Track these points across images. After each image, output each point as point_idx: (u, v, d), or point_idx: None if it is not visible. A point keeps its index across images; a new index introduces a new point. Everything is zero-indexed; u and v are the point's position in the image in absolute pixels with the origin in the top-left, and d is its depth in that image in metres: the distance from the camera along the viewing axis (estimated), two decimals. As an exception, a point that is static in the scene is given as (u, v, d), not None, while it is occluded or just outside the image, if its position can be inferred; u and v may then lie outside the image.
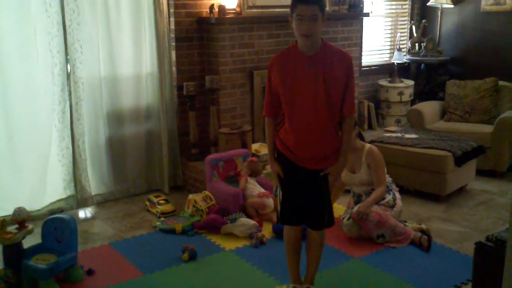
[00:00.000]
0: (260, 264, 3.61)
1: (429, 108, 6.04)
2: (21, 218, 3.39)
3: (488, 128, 5.51)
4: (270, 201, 4.40)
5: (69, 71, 4.51)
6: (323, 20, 2.71)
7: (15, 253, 3.34)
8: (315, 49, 2.75)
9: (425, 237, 3.83)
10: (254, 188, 4.48)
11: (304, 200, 2.93)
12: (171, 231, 4.16)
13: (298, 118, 2.78)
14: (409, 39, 7.30)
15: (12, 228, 3.38)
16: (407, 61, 7.12)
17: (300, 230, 3.06)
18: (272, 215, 4.34)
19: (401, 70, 7.07)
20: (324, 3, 2.75)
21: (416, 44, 7.16)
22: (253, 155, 4.98)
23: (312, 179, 2.88)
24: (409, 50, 7.25)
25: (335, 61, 2.74)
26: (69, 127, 4.58)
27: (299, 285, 3.12)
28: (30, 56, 4.33)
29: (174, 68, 5.07)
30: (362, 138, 4.11)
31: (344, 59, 2.78)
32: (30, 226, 3.44)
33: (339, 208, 4.46)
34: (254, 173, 4.62)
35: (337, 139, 2.86)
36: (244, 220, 4.12)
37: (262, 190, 4.46)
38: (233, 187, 4.51)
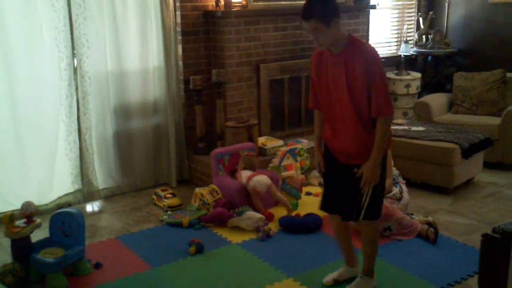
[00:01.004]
0: (266, 257, 3.62)
1: (436, 100, 6.01)
2: (29, 213, 3.42)
3: (495, 120, 5.48)
4: (258, 183, 4.32)
5: (75, 66, 4.52)
6: (331, 27, 2.67)
7: (23, 247, 3.37)
8: (339, 49, 2.76)
9: (432, 229, 3.83)
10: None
11: (338, 191, 3.00)
12: (178, 225, 4.17)
13: (330, 113, 2.91)
14: (416, 31, 7.26)
15: (20, 222, 3.42)
16: (414, 53, 7.08)
17: (339, 218, 3.09)
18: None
19: (408, 63, 7.04)
20: (325, 13, 2.65)
21: (423, 36, 7.12)
22: (260, 148, 4.99)
23: (345, 172, 2.93)
24: (416, 42, 7.21)
25: (356, 59, 2.70)
26: (76, 121, 4.60)
27: (350, 267, 3.25)
28: (37, 50, 4.34)
29: (180, 62, 5.08)
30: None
31: (364, 57, 2.68)
32: (38, 220, 3.47)
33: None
34: (249, 168, 4.58)
35: (368, 137, 2.81)
36: (250, 213, 4.13)
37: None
38: (239, 181, 4.52)
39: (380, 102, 2.70)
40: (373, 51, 2.73)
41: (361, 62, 2.68)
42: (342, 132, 2.88)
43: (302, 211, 4.29)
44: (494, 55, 6.46)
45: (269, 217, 4.21)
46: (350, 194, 2.93)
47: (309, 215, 4.13)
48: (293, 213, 4.26)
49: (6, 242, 3.62)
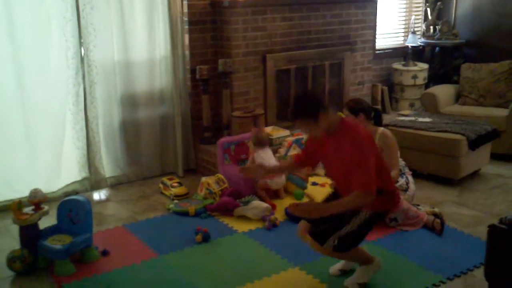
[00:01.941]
0: (273, 246, 3.64)
1: (443, 91, 5.99)
2: (37, 200, 3.45)
3: (503, 112, 5.46)
4: (274, 182, 4.38)
5: (82, 55, 4.53)
6: (320, 120, 2.82)
7: (31, 234, 3.40)
8: (330, 132, 2.91)
9: (438, 220, 3.83)
10: (263, 161, 4.36)
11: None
12: (185, 214, 4.19)
13: (329, 174, 3.20)
14: (424, 22, 7.22)
15: (28, 210, 3.45)
16: (422, 44, 7.04)
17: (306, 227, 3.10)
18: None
19: (415, 53, 7.00)
20: (310, 112, 2.83)
21: (431, 27, 7.08)
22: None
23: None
24: (423, 33, 7.17)
25: (345, 142, 2.84)
26: (83, 110, 4.61)
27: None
28: (45, 40, 4.35)
29: (187, 52, 5.07)
30: (380, 121, 4.09)
31: (351, 138, 2.83)
32: (46, 208, 3.50)
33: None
34: (260, 143, 4.48)
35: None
36: (256, 203, 4.14)
37: (273, 162, 4.39)
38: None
39: (361, 180, 2.77)
40: (360, 134, 2.87)
41: (349, 143, 2.83)
42: (342, 192, 3.00)
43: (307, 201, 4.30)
44: (502, 46, 6.41)
45: (275, 207, 4.22)
46: (334, 221, 2.93)
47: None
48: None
49: (15, 229, 3.65)
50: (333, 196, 3.15)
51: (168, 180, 4.70)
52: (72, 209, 3.48)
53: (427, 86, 6.76)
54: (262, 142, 4.49)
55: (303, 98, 3.01)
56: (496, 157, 5.25)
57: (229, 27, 5.01)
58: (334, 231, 2.90)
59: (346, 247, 2.93)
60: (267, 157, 4.41)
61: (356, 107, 3.91)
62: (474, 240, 3.71)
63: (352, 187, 2.80)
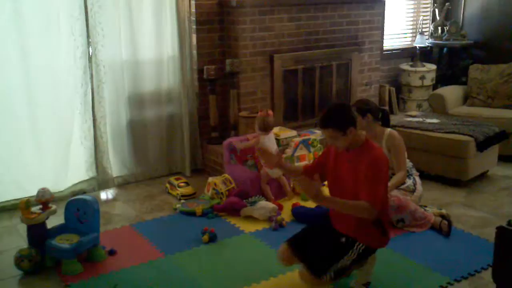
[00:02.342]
0: (279, 247, 3.62)
1: (451, 92, 5.97)
2: (44, 199, 3.47)
3: (511, 113, 5.43)
4: (274, 172, 4.36)
5: (90, 54, 4.54)
6: (347, 134, 2.81)
7: (39, 233, 3.41)
8: (352, 148, 2.89)
9: (445, 222, 3.81)
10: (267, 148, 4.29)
11: (316, 239, 3.00)
12: (191, 214, 4.20)
13: (333, 192, 3.02)
14: (432, 23, 7.19)
15: (36, 209, 3.46)
16: (430, 45, 7.03)
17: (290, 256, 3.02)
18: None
19: (423, 54, 6.98)
20: (341, 123, 2.81)
21: (439, 28, 7.06)
22: (273, 138, 4.99)
23: (332, 232, 2.98)
24: (431, 33, 7.15)
25: (365, 162, 2.81)
26: (91, 109, 4.63)
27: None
28: (53, 39, 4.37)
29: (194, 52, 5.08)
30: (387, 122, 4.08)
31: (371, 162, 2.80)
32: (53, 207, 3.51)
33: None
34: (266, 128, 4.43)
35: (366, 221, 2.83)
36: (263, 203, 4.14)
37: (275, 148, 4.38)
38: (251, 171, 4.53)
39: (366, 195, 2.73)
40: (382, 158, 2.84)
41: (367, 163, 2.79)
42: (336, 215, 2.97)
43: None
44: (510, 48, 6.38)
45: (282, 207, 4.22)
46: (326, 248, 2.90)
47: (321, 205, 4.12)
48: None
49: (22, 228, 3.67)
50: (300, 236, 3.07)
51: (175, 180, 4.70)
52: (80, 208, 3.49)
53: (435, 87, 6.74)
54: (268, 126, 4.44)
55: (339, 108, 2.93)
56: (504, 158, 5.23)
57: (236, 27, 5.01)
58: (331, 263, 2.84)
59: (339, 277, 2.91)
60: (270, 143, 4.41)
61: (364, 107, 3.91)
62: (482, 242, 3.69)
63: (360, 197, 2.76)
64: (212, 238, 3.74)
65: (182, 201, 4.44)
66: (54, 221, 3.59)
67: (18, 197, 4.11)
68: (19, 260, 3.33)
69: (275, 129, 5.09)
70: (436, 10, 7.12)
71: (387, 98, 6.64)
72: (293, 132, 5.08)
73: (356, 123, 2.85)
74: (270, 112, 4.54)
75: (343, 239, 2.90)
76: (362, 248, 2.87)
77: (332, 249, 2.88)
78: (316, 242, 2.97)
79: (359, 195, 2.77)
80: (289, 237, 3.08)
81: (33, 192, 3.59)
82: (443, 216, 3.92)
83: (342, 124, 2.81)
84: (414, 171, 4.15)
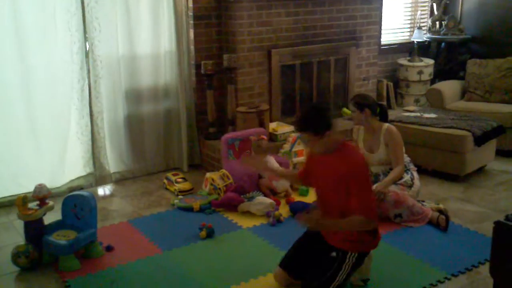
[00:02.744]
0: (277, 242, 3.63)
1: (449, 87, 5.96)
2: (41, 195, 3.46)
3: (509, 108, 5.44)
4: (280, 184, 4.38)
5: (87, 50, 4.52)
6: (325, 138, 2.78)
7: (36, 229, 3.41)
8: (330, 152, 2.85)
9: (443, 217, 3.82)
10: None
11: (307, 256, 2.97)
12: (189, 209, 4.19)
13: (319, 198, 3.02)
14: (430, 17, 7.17)
15: (33, 205, 3.45)
16: (427, 39, 7.01)
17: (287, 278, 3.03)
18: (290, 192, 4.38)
19: (421, 49, 6.97)
20: (318, 127, 2.77)
21: (437, 22, 7.04)
22: (271, 134, 4.98)
23: (322, 246, 2.93)
24: (429, 28, 7.13)
25: (343, 164, 2.78)
26: (87, 105, 4.61)
27: None
28: (50, 34, 4.35)
29: (192, 47, 5.06)
30: (385, 117, 4.07)
31: (349, 163, 2.78)
32: (50, 203, 3.51)
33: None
34: (259, 152, 4.51)
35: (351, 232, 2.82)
36: (261, 198, 4.14)
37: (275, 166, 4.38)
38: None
39: (358, 205, 2.71)
40: (360, 160, 2.83)
41: (347, 167, 2.76)
42: (330, 218, 2.91)
43: (312, 196, 4.29)
44: (508, 42, 6.36)
45: (280, 203, 4.22)
46: (320, 269, 2.86)
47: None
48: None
49: (19, 224, 3.66)
50: (291, 256, 3.07)
51: (173, 175, 4.70)
52: (77, 204, 3.48)
53: (432, 82, 6.74)
54: (262, 151, 4.50)
55: (316, 111, 2.86)
56: (501, 153, 5.24)
57: (234, 22, 4.99)
58: (328, 284, 2.81)
59: None
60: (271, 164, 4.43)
61: (362, 102, 3.91)
62: (479, 237, 3.70)
63: (350, 212, 2.73)
64: (210, 234, 3.74)
65: (180, 196, 4.44)
66: (51, 217, 3.58)
67: (15, 193, 4.11)
68: (16, 257, 3.32)
69: (273, 125, 5.10)
70: (434, 5, 7.10)
71: (385, 93, 6.64)
72: (291, 127, 5.07)
73: (332, 125, 2.79)
74: (263, 136, 4.61)
75: (334, 254, 2.85)
76: (355, 257, 2.84)
77: (326, 269, 2.83)
78: (309, 262, 2.92)
79: (347, 204, 2.73)
80: (281, 258, 3.06)
81: (30, 188, 3.58)
82: (440, 211, 3.92)
83: (319, 127, 2.76)
84: (411, 166, 4.15)
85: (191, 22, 5.00)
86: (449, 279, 3.19)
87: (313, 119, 2.80)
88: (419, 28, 6.92)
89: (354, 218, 2.73)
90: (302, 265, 2.92)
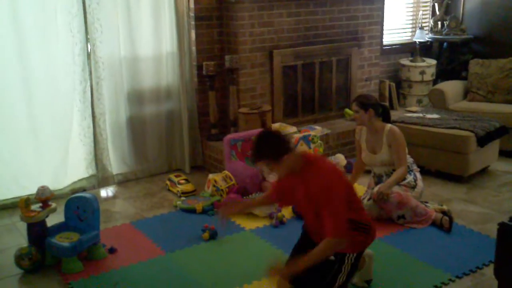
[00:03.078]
0: (280, 244, 3.62)
1: (451, 87, 5.95)
2: (44, 197, 3.45)
3: (512, 108, 5.43)
4: None
5: (89, 51, 4.52)
6: (284, 161, 2.69)
7: (39, 231, 3.40)
8: (295, 172, 2.77)
9: (447, 218, 3.81)
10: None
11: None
12: (192, 211, 4.18)
13: (303, 214, 3.02)
14: (432, 17, 7.16)
15: (36, 207, 3.45)
16: (429, 39, 7.00)
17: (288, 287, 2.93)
18: None
19: (423, 49, 6.96)
20: (273, 155, 2.69)
21: (439, 22, 7.03)
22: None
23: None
24: (431, 28, 7.12)
25: (311, 183, 2.70)
26: (90, 107, 4.60)
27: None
28: (51, 35, 4.35)
29: (193, 48, 5.06)
30: (388, 118, 4.07)
31: (318, 181, 2.69)
32: (53, 205, 3.50)
33: (359, 188, 4.44)
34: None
35: None
36: (264, 200, 4.12)
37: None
38: (252, 167, 4.51)
39: (331, 225, 2.63)
40: (326, 171, 2.74)
41: (314, 183, 2.69)
42: (313, 229, 2.89)
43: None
44: (511, 42, 6.35)
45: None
46: (319, 272, 2.81)
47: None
48: None
49: (22, 226, 3.66)
50: (304, 238, 3.04)
51: (175, 177, 4.69)
52: (80, 206, 3.47)
53: (435, 82, 6.72)
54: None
55: (269, 138, 2.77)
56: (505, 154, 5.22)
57: (235, 22, 4.98)
58: (330, 286, 2.79)
59: None
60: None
61: (367, 102, 3.91)
62: (483, 238, 3.69)
63: (326, 233, 2.67)
64: (213, 236, 3.73)
65: (183, 198, 4.43)
66: (54, 219, 3.57)
67: (18, 195, 4.09)
68: (19, 259, 3.31)
69: (275, 126, 5.09)
70: (436, 5, 7.08)
71: (387, 94, 6.62)
72: (293, 128, 5.07)
73: (288, 148, 2.72)
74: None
75: (332, 257, 2.80)
76: (353, 257, 2.82)
77: (326, 272, 2.80)
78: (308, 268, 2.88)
79: (321, 220, 2.69)
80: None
81: (33, 190, 3.58)
82: (444, 212, 3.91)
83: (276, 154, 2.69)
84: (414, 167, 4.14)
85: (193, 23, 5.00)
86: (453, 281, 3.17)
87: (268, 146, 2.72)
88: (421, 28, 6.91)
89: (323, 245, 2.64)
90: (303, 274, 2.89)
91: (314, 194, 2.69)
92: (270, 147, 2.72)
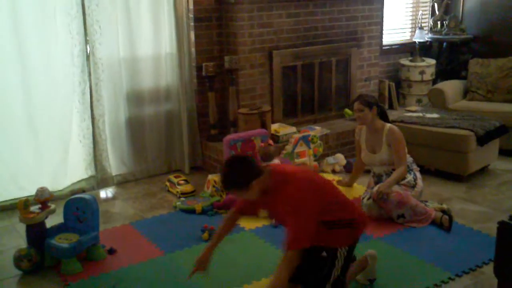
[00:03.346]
0: (279, 244, 3.58)
1: (451, 87, 5.94)
2: (43, 198, 3.45)
3: (511, 107, 5.41)
4: None
5: (88, 52, 4.52)
6: (253, 187, 2.62)
7: (38, 232, 3.40)
8: (262, 195, 2.71)
9: (446, 217, 3.80)
10: None
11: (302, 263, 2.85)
12: (191, 211, 4.18)
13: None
14: (431, 17, 7.17)
15: (35, 208, 3.44)
16: (429, 39, 7.00)
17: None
18: None
19: (423, 49, 6.96)
20: (242, 183, 2.62)
21: (438, 22, 7.03)
22: (272, 135, 4.97)
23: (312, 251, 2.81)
24: (431, 28, 7.12)
25: (279, 202, 2.67)
26: (89, 108, 4.61)
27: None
28: (50, 37, 4.35)
29: (193, 49, 5.06)
30: (386, 117, 4.07)
31: (284, 198, 2.64)
32: (52, 206, 3.50)
33: (359, 188, 4.44)
34: (268, 158, 4.47)
35: (326, 235, 2.75)
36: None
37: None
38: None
39: (291, 235, 2.61)
40: (296, 194, 2.64)
41: (285, 205, 2.64)
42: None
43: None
44: (510, 42, 6.35)
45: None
46: (314, 268, 2.83)
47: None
48: None
49: (21, 228, 3.65)
50: None
51: (175, 177, 4.69)
52: (79, 207, 3.47)
53: (434, 82, 6.73)
54: (270, 157, 4.44)
55: (236, 166, 2.68)
56: (504, 153, 5.22)
57: (235, 23, 4.98)
58: (324, 282, 2.79)
59: (341, 286, 2.86)
60: None
61: (371, 101, 3.94)
62: (483, 237, 3.68)
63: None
64: (212, 236, 3.72)
65: (182, 198, 4.43)
66: (53, 220, 3.57)
67: (17, 197, 4.10)
68: (18, 260, 3.31)
69: (275, 126, 5.08)
70: (435, 5, 7.09)
71: (386, 93, 6.62)
72: (293, 129, 5.07)
73: (258, 172, 2.64)
74: (271, 141, 4.60)
75: (324, 253, 2.82)
76: (346, 251, 2.83)
77: (320, 268, 2.81)
78: (303, 265, 2.82)
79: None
80: None
81: (32, 191, 3.58)
82: (444, 211, 3.91)
83: (244, 181, 2.61)
84: (414, 166, 4.13)
85: (192, 24, 5.00)
86: (453, 279, 3.17)
87: (236, 175, 2.64)
88: (421, 28, 6.91)
89: (282, 264, 2.61)
90: (298, 270, 2.89)
91: (284, 213, 2.67)
92: (238, 175, 2.63)
